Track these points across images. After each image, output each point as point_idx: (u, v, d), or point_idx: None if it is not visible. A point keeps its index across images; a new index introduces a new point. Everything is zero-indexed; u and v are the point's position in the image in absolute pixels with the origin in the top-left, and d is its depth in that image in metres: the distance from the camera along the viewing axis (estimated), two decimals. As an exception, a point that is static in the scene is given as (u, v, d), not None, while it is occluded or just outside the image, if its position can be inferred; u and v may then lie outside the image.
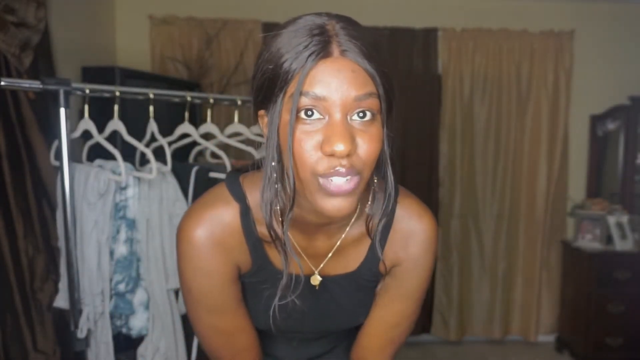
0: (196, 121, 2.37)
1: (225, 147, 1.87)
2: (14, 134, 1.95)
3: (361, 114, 0.66)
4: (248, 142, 1.85)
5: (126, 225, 1.53)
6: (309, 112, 0.66)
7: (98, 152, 1.62)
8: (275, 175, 0.70)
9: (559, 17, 3.35)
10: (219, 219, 0.78)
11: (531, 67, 3.35)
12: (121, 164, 1.48)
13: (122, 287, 1.52)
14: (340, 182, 0.66)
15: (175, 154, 1.71)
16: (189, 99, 1.69)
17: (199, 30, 3.18)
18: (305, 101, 0.65)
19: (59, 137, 1.42)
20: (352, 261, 0.85)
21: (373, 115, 0.67)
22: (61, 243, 1.57)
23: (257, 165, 0.81)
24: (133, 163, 1.65)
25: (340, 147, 0.63)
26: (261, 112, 0.74)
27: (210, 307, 0.82)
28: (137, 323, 1.57)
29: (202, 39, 3.16)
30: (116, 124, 1.58)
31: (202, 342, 0.89)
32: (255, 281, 0.84)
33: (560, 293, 3.48)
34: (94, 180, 1.49)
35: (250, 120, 2.81)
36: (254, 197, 0.78)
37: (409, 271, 0.85)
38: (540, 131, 3.38)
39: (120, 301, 1.53)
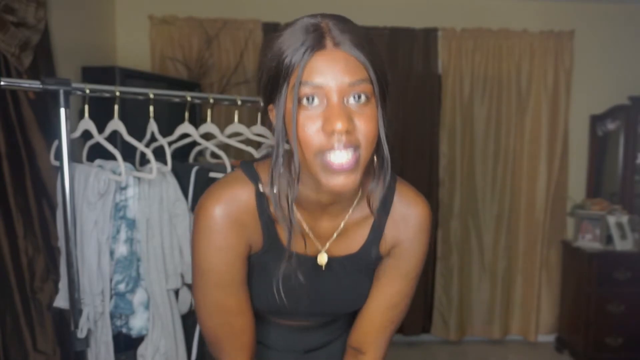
0: (196, 121, 2.37)
1: (225, 147, 1.87)
2: (14, 134, 1.95)
3: (356, 97, 0.74)
4: (248, 142, 1.85)
5: (126, 225, 1.53)
6: (310, 99, 0.74)
7: (98, 152, 1.62)
8: (282, 159, 0.79)
9: (559, 17, 3.36)
10: (236, 198, 0.85)
11: (531, 67, 3.35)
12: (121, 164, 1.48)
13: (122, 287, 1.52)
14: (342, 160, 0.73)
15: (175, 154, 1.71)
16: (189, 99, 1.69)
17: (199, 30, 3.18)
18: (305, 90, 0.73)
19: (59, 137, 1.42)
20: (355, 243, 0.91)
21: (367, 98, 0.75)
22: (61, 243, 1.56)
23: (268, 156, 0.87)
24: (133, 163, 1.65)
25: (338, 126, 0.71)
26: (270, 106, 0.82)
27: (218, 282, 0.87)
28: (137, 323, 1.57)
29: (202, 39, 3.16)
30: (116, 124, 1.58)
31: (203, 323, 0.92)
32: (264, 260, 0.89)
33: (560, 293, 3.48)
34: (94, 180, 1.49)
35: (250, 120, 2.83)
36: (266, 180, 0.85)
37: (407, 251, 0.92)
38: (540, 131, 3.38)
39: (120, 301, 1.53)
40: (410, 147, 3.31)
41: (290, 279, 0.86)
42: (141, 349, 1.60)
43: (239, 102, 1.81)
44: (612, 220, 3.12)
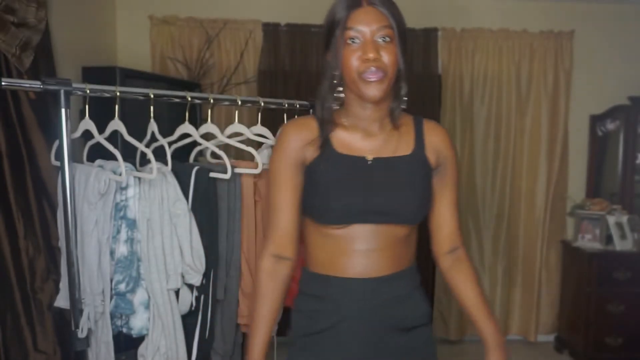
0: (196, 121, 2.37)
1: (225, 147, 1.87)
2: (15, 134, 1.95)
3: (382, 38, 1.09)
4: (248, 142, 1.85)
5: (126, 225, 1.54)
6: (353, 40, 1.09)
7: (98, 152, 1.62)
8: (335, 81, 1.16)
9: (559, 17, 3.36)
10: (301, 122, 1.22)
11: (531, 67, 3.35)
12: (121, 164, 1.49)
13: (122, 287, 1.53)
14: (372, 76, 1.08)
15: (176, 154, 1.71)
16: (189, 99, 1.70)
17: (199, 30, 3.18)
18: (350, 33, 1.09)
19: (59, 137, 1.42)
20: (406, 148, 1.19)
21: (390, 38, 1.10)
22: (62, 243, 1.57)
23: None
24: (133, 163, 1.65)
25: (371, 55, 1.07)
26: (327, 53, 1.17)
27: (276, 182, 1.18)
28: (137, 323, 1.57)
29: (202, 39, 3.17)
30: (117, 124, 1.59)
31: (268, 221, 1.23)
32: (321, 168, 1.15)
33: (560, 293, 3.48)
34: (95, 180, 1.49)
35: (250, 120, 2.83)
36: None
37: (448, 159, 1.22)
38: (540, 131, 3.38)
39: (121, 301, 1.53)
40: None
41: (346, 175, 1.14)
42: (141, 349, 1.60)
43: (239, 102, 1.81)
44: (611, 220, 3.12)
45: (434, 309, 3.46)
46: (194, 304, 1.66)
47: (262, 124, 1.91)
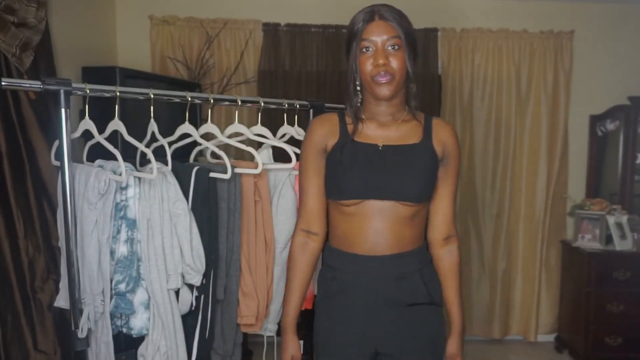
0: (196, 121, 2.37)
1: (225, 147, 1.87)
2: (15, 134, 1.95)
3: (392, 47, 1.30)
4: (248, 142, 1.86)
5: (127, 225, 1.54)
6: (367, 49, 1.32)
7: (98, 152, 1.62)
8: (356, 83, 1.38)
9: (559, 17, 3.36)
10: (327, 115, 1.45)
11: (531, 67, 3.35)
12: (122, 164, 1.49)
13: (122, 287, 1.52)
14: (382, 78, 1.30)
15: (176, 154, 1.72)
16: (189, 99, 1.70)
17: (199, 30, 3.18)
18: (364, 43, 1.31)
19: (59, 137, 1.42)
20: (409, 138, 1.38)
21: (398, 47, 1.31)
22: (62, 243, 1.57)
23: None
24: (133, 163, 1.65)
25: (381, 62, 1.29)
26: (348, 58, 1.38)
27: (304, 167, 1.43)
28: (137, 323, 1.57)
29: (202, 39, 3.17)
30: (116, 124, 1.58)
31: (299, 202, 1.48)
32: (339, 153, 1.36)
33: (559, 293, 3.48)
34: (95, 180, 1.49)
35: (250, 120, 2.83)
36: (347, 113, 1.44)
37: (452, 152, 1.41)
38: (540, 131, 3.38)
39: (121, 301, 1.53)
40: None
41: (359, 158, 1.34)
42: (141, 349, 1.60)
43: (239, 102, 1.81)
44: (611, 220, 3.13)
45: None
46: (194, 303, 1.66)
47: (262, 124, 1.91)
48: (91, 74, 2.25)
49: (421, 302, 1.40)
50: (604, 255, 3.08)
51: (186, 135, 1.77)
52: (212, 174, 1.66)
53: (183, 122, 1.73)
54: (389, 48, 1.30)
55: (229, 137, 1.84)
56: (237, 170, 1.71)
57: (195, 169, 1.65)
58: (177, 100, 1.71)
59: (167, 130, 1.74)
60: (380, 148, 1.36)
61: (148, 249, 1.54)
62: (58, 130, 1.41)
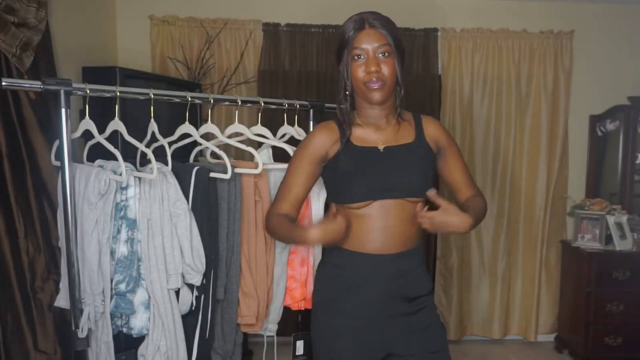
0: (197, 121, 2.37)
1: (225, 147, 1.87)
2: (15, 134, 1.95)
3: (382, 54, 1.36)
4: (248, 142, 1.86)
5: (127, 225, 1.54)
6: (358, 56, 1.37)
7: (99, 152, 1.63)
8: (347, 91, 1.43)
9: (558, 17, 3.36)
10: (327, 124, 1.48)
11: (531, 67, 3.35)
12: (122, 164, 1.49)
13: (122, 286, 1.53)
14: (374, 84, 1.36)
15: (176, 154, 1.72)
16: (189, 99, 1.70)
17: (199, 30, 3.18)
18: (356, 51, 1.37)
19: (59, 137, 1.42)
20: (409, 137, 1.46)
21: (389, 53, 1.36)
22: (62, 243, 1.57)
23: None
24: (134, 163, 1.65)
25: (372, 69, 1.34)
26: (339, 64, 1.43)
27: (293, 168, 1.48)
28: (137, 323, 1.57)
29: (202, 39, 3.17)
30: (117, 124, 1.59)
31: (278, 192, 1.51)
32: (343, 159, 1.41)
33: (559, 293, 3.48)
34: (95, 180, 1.49)
35: (250, 120, 2.83)
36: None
37: (447, 140, 1.51)
38: (540, 131, 3.38)
39: (121, 301, 1.53)
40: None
41: (364, 162, 1.40)
42: (141, 349, 1.60)
43: (239, 102, 1.81)
44: (611, 220, 3.13)
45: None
46: (194, 303, 1.66)
47: (262, 124, 1.91)
48: (91, 74, 2.25)
49: (424, 293, 1.47)
50: (604, 255, 3.08)
51: (186, 135, 1.77)
52: (212, 174, 1.66)
53: (183, 122, 1.74)
54: (380, 55, 1.36)
55: (229, 137, 1.84)
56: (237, 170, 1.71)
57: (195, 169, 1.65)
58: (177, 100, 1.72)
59: (167, 130, 1.74)
60: (381, 150, 1.43)
61: (148, 249, 1.54)
62: (58, 130, 1.42)
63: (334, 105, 2.17)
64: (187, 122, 1.73)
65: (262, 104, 1.88)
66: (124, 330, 1.60)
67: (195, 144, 1.83)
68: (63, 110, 1.40)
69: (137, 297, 1.56)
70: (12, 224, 1.95)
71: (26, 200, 1.99)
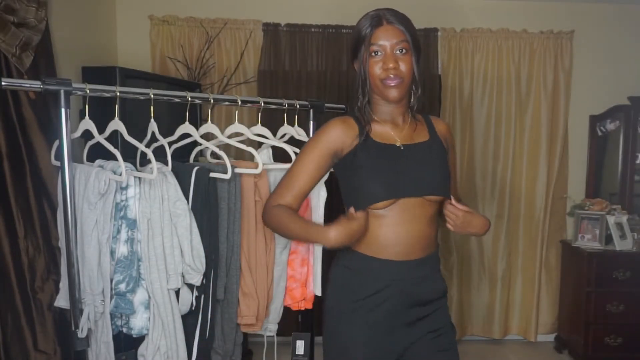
0: (197, 121, 2.37)
1: (225, 147, 1.87)
2: (15, 134, 1.95)
3: (400, 50, 1.34)
4: (248, 142, 1.86)
5: (127, 225, 1.54)
6: (376, 53, 1.35)
7: (99, 152, 1.63)
8: (365, 87, 1.39)
9: (558, 17, 3.36)
10: (345, 119, 1.43)
11: (531, 67, 3.35)
12: (122, 164, 1.49)
13: (122, 286, 1.53)
14: (391, 81, 1.33)
15: (176, 154, 1.72)
16: (189, 99, 1.70)
17: (199, 30, 3.18)
18: (373, 47, 1.34)
19: (59, 137, 1.42)
20: (420, 137, 1.45)
21: (406, 50, 1.34)
22: (62, 243, 1.57)
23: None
24: (134, 163, 1.65)
25: (390, 65, 1.32)
26: (354, 61, 1.42)
27: (302, 158, 1.42)
28: (137, 323, 1.57)
29: (202, 39, 3.17)
30: (116, 124, 1.59)
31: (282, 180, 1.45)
32: (363, 154, 1.36)
33: (559, 293, 3.48)
34: (95, 180, 1.49)
35: (250, 120, 2.83)
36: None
37: (452, 147, 1.55)
38: (540, 131, 3.38)
39: (121, 301, 1.53)
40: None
41: (385, 158, 1.37)
42: (141, 349, 1.60)
43: (239, 102, 1.81)
44: (611, 220, 3.12)
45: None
46: (194, 303, 1.66)
47: (262, 124, 1.91)
48: (91, 74, 2.25)
49: (440, 296, 1.47)
50: (604, 255, 3.08)
51: (186, 135, 1.77)
52: (212, 174, 1.66)
53: (183, 122, 1.74)
54: (397, 52, 1.33)
55: (229, 137, 1.84)
56: (237, 170, 1.71)
57: (195, 169, 1.65)
58: (177, 100, 1.71)
59: (167, 130, 1.74)
60: (401, 148, 1.40)
61: (148, 249, 1.54)
62: (58, 130, 1.42)
63: (334, 105, 2.19)
64: (187, 122, 1.73)
65: (262, 104, 1.88)
66: (124, 330, 1.60)
67: (195, 144, 1.83)
68: (63, 110, 1.40)
69: (137, 297, 1.56)
70: (12, 224, 1.95)
71: (26, 201, 1.99)
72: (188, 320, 1.66)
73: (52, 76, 2.01)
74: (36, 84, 1.38)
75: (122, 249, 1.53)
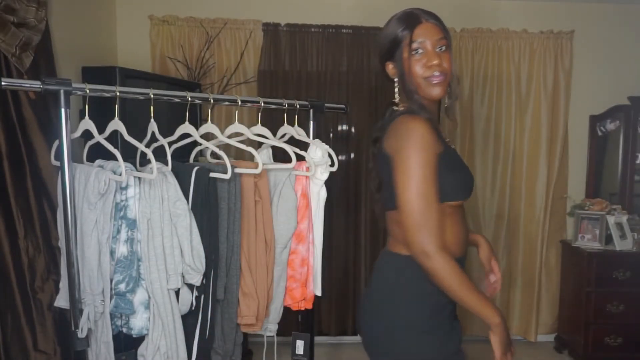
0: (197, 121, 2.37)
1: (225, 147, 1.87)
2: (15, 134, 1.95)
3: (440, 47, 1.32)
4: (248, 142, 1.86)
5: (127, 225, 1.54)
6: (416, 51, 1.31)
7: (98, 152, 1.62)
8: (407, 86, 1.34)
9: (559, 17, 3.36)
10: (421, 118, 1.30)
11: (531, 67, 3.35)
12: (121, 164, 1.49)
13: (122, 287, 1.53)
14: (435, 79, 1.31)
15: (176, 154, 1.71)
16: (189, 99, 1.70)
17: (199, 30, 3.18)
18: (414, 45, 1.31)
19: (59, 137, 1.42)
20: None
21: (446, 47, 1.33)
22: (62, 243, 1.57)
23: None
24: (133, 163, 1.65)
25: (435, 62, 1.30)
26: (388, 63, 1.38)
27: (429, 175, 1.23)
28: (137, 323, 1.57)
29: (202, 39, 3.17)
30: (116, 124, 1.59)
31: (409, 214, 1.23)
32: (450, 153, 1.34)
33: (559, 293, 3.48)
34: (95, 180, 1.49)
35: (250, 120, 2.83)
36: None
37: None
38: (540, 131, 3.38)
39: (121, 301, 1.53)
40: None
41: (457, 156, 1.39)
42: (141, 349, 1.60)
43: (239, 102, 1.81)
44: (611, 220, 3.13)
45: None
46: (194, 303, 1.66)
47: (262, 124, 1.91)
48: (91, 74, 2.25)
49: None
50: (604, 255, 3.08)
51: (186, 135, 1.77)
52: (212, 174, 1.66)
53: (183, 122, 1.73)
54: (438, 49, 1.32)
55: (229, 137, 1.84)
56: (237, 170, 1.71)
57: (195, 169, 1.65)
58: (177, 100, 1.71)
59: (167, 130, 1.74)
60: (453, 146, 1.45)
61: (148, 249, 1.54)
62: (58, 130, 1.41)
63: (334, 105, 2.18)
64: (187, 122, 1.73)
65: (262, 104, 1.87)
66: (124, 330, 1.59)
67: (195, 144, 1.83)
68: (63, 110, 1.40)
69: (137, 297, 1.56)
70: (12, 224, 1.95)
71: (26, 201, 1.99)
72: (188, 320, 1.66)
73: (52, 76, 2.01)
74: (36, 84, 1.38)
75: (122, 249, 1.53)
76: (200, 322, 1.69)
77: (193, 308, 1.66)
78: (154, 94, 1.61)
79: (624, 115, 3.28)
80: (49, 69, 2.15)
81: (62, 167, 1.43)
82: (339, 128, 3.44)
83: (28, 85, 1.43)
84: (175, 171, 1.60)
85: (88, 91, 1.47)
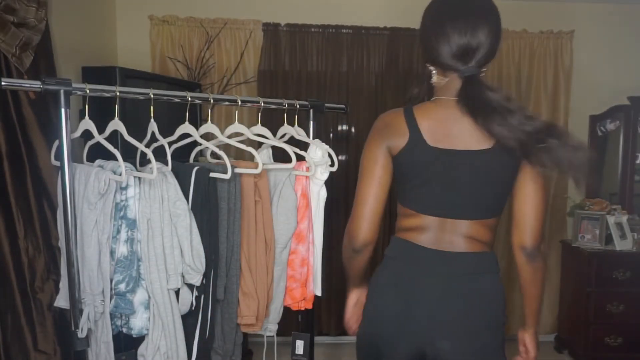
0: (197, 121, 2.37)
1: (225, 147, 1.87)
2: (15, 134, 1.95)
3: None
4: (248, 142, 1.86)
5: (127, 225, 1.54)
6: None
7: (98, 152, 1.62)
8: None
9: (559, 17, 3.36)
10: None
11: (531, 67, 3.35)
12: (121, 164, 1.49)
13: (122, 286, 1.53)
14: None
15: (176, 154, 1.71)
16: (189, 99, 1.70)
17: (199, 30, 3.18)
18: None
19: (59, 137, 1.42)
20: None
21: None
22: (62, 243, 1.57)
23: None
24: (133, 163, 1.65)
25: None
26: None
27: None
28: (137, 323, 1.57)
29: (202, 39, 3.17)
30: (116, 124, 1.59)
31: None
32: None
33: (559, 293, 3.48)
34: (95, 180, 1.49)
35: (250, 120, 2.82)
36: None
37: None
38: (540, 131, 3.38)
39: (121, 301, 1.53)
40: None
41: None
42: (141, 349, 1.60)
43: (239, 102, 1.81)
44: (611, 220, 3.13)
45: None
46: (194, 303, 1.66)
47: (262, 124, 1.91)
48: (91, 74, 2.25)
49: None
50: (604, 255, 3.08)
51: (186, 135, 1.77)
52: (212, 174, 1.66)
53: (183, 122, 1.73)
54: None
55: (229, 137, 1.84)
56: (237, 170, 1.71)
57: (195, 169, 1.65)
58: (177, 100, 1.71)
59: (167, 130, 1.74)
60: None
61: (148, 249, 1.54)
62: (58, 130, 1.41)
63: (334, 105, 2.18)
64: (187, 122, 1.73)
65: (262, 104, 1.88)
66: (124, 330, 1.59)
67: (195, 144, 1.83)
68: (63, 110, 1.40)
69: (137, 297, 1.56)
70: (12, 224, 1.95)
71: (26, 201, 1.99)
72: (188, 320, 1.66)
73: (52, 76, 2.01)
74: (36, 84, 1.38)
75: (122, 249, 1.53)
76: (200, 322, 1.69)
77: (193, 308, 1.66)
78: (154, 94, 1.61)
79: (624, 115, 3.28)
80: (49, 69, 2.15)
81: (62, 167, 1.43)
82: (339, 128, 3.44)
83: (28, 85, 1.43)
84: (175, 171, 1.60)
85: (88, 91, 1.47)
